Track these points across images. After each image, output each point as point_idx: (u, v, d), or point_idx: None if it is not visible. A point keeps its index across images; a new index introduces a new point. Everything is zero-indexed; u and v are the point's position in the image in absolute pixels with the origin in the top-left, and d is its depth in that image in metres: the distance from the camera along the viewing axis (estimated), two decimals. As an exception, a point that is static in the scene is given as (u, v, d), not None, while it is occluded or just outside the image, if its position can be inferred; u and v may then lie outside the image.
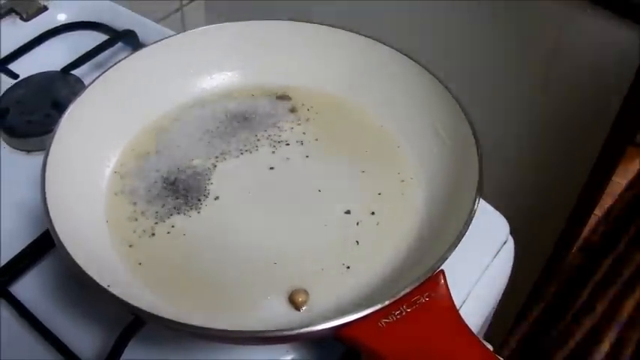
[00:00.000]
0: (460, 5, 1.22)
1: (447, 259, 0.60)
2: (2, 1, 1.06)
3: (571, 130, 1.24)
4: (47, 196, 0.66)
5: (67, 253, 0.60)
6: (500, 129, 1.27)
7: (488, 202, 0.81)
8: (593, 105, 1.17)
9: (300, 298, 0.65)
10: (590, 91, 1.16)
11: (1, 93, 0.92)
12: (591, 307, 1.45)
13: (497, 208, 0.82)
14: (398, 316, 0.57)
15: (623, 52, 1.07)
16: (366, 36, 0.84)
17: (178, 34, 0.86)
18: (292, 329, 0.56)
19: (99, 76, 0.79)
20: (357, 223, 0.72)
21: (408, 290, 0.58)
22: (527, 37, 1.19)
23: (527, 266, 1.21)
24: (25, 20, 1.06)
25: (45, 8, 1.08)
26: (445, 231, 0.66)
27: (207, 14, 1.54)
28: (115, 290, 0.58)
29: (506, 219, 0.82)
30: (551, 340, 1.56)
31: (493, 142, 1.07)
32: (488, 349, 0.58)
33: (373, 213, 0.73)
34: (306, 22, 0.86)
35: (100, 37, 1.01)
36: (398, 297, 0.57)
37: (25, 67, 0.96)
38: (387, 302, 0.57)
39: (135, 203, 0.75)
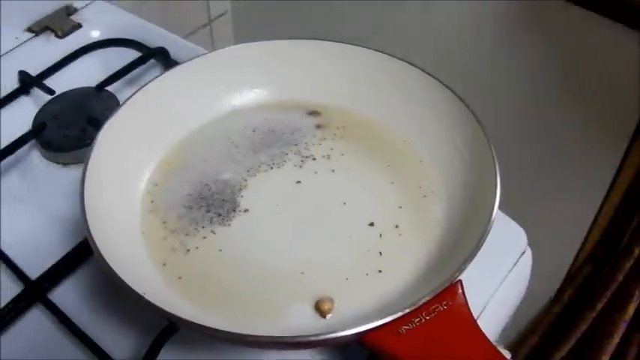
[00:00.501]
0: (480, 17, 1.24)
1: (464, 269, 0.62)
2: (38, 19, 1.09)
3: (591, 140, 1.25)
4: (86, 206, 0.68)
5: (105, 262, 0.63)
6: (519, 139, 1.28)
7: (507, 213, 0.82)
8: (613, 115, 1.18)
9: (326, 306, 0.67)
10: (611, 100, 1.17)
11: (39, 108, 0.94)
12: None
13: (515, 219, 0.83)
14: (417, 324, 0.59)
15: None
16: (391, 56, 0.85)
17: (209, 52, 0.88)
18: (319, 335, 0.59)
19: (134, 93, 0.81)
20: (380, 235, 0.74)
21: (426, 299, 0.60)
22: (546, 45, 1.20)
23: (545, 277, 1.23)
24: (60, 37, 1.08)
25: (79, 26, 1.10)
26: (464, 242, 0.68)
27: (234, 29, 1.55)
28: (151, 297, 0.61)
29: (525, 230, 0.83)
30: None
31: (512, 152, 1.09)
32: (504, 356, 0.60)
33: (396, 225, 0.75)
34: (333, 41, 0.88)
35: (132, 54, 1.03)
36: (417, 305, 0.60)
37: (61, 83, 0.99)
38: (407, 310, 0.59)
39: (168, 216, 0.77)
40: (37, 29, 1.09)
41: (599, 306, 1.42)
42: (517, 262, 0.81)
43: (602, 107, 1.18)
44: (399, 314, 0.59)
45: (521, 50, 1.24)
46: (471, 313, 0.62)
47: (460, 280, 0.63)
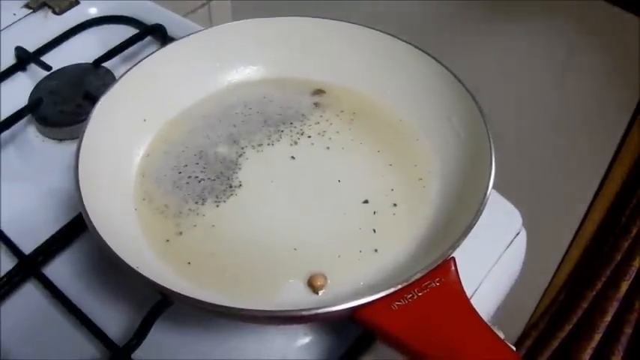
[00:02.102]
0: (479, 4, 1.24)
1: (457, 247, 0.62)
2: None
3: (588, 123, 1.25)
4: (80, 181, 0.68)
5: (99, 236, 0.63)
6: (516, 121, 1.29)
7: (503, 194, 0.82)
8: (611, 99, 1.18)
9: (318, 282, 0.68)
10: (609, 85, 1.17)
11: (35, 84, 0.94)
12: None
13: (511, 200, 0.83)
14: (410, 300, 0.60)
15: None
16: (386, 33, 0.85)
17: (205, 28, 0.88)
18: (311, 309, 0.59)
19: (130, 69, 0.81)
20: (375, 212, 0.74)
21: (419, 275, 0.60)
22: (545, 32, 1.20)
23: (541, 258, 1.23)
24: (58, 14, 1.08)
25: (76, 2, 1.10)
26: (458, 221, 0.68)
27: (233, 8, 1.55)
28: (144, 271, 0.61)
29: (520, 211, 0.83)
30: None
31: (509, 134, 1.09)
32: (494, 333, 0.60)
33: (391, 203, 0.76)
34: (329, 19, 0.88)
35: (129, 31, 1.03)
36: (410, 281, 0.60)
37: (58, 59, 0.99)
38: (399, 286, 0.59)
39: (162, 192, 0.77)
40: (35, 6, 1.09)
41: (599, 285, 1.43)
42: (512, 242, 0.81)
43: (601, 86, 1.18)
44: (392, 290, 0.59)
45: (521, 32, 1.24)
46: (464, 290, 0.62)
47: (453, 258, 0.63)
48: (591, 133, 1.25)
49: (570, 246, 1.51)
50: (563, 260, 1.55)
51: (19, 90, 0.94)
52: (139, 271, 0.61)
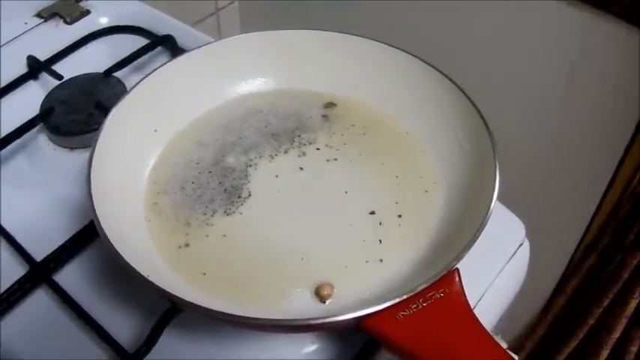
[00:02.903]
0: (489, 10, 1.24)
1: (462, 258, 0.63)
2: (47, 5, 1.10)
3: (592, 134, 1.25)
4: (92, 189, 0.69)
5: (111, 244, 0.64)
6: (519, 132, 1.29)
7: (506, 205, 0.83)
8: (615, 110, 1.18)
9: (325, 292, 0.68)
10: (613, 97, 1.18)
11: (47, 93, 0.95)
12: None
13: (514, 211, 0.84)
14: (414, 310, 0.61)
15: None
16: (394, 47, 0.86)
17: (215, 41, 0.89)
18: (318, 318, 0.60)
19: (141, 80, 0.82)
20: (381, 223, 0.75)
21: (424, 286, 0.61)
22: (552, 42, 1.21)
23: (545, 269, 1.23)
24: (69, 23, 1.09)
25: (87, 12, 1.11)
26: (463, 232, 0.68)
27: (241, 18, 1.56)
28: (154, 279, 0.62)
29: (524, 222, 0.84)
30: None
31: (512, 145, 1.10)
32: (497, 343, 0.60)
33: (397, 214, 0.76)
34: (337, 32, 0.89)
35: (139, 41, 1.05)
36: (415, 292, 0.61)
37: (68, 68, 1.00)
38: (404, 296, 0.61)
39: (172, 201, 0.78)
40: (46, 15, 1.10)
41: (606, 302, 1.43)
42: (515, 253, 0.81)
43: (605, 98, 1.18)
44: (397, 300, 0.61)
45: (529, 42, 1.24)
46: (467, 301, 0.63)
47: (457, 269, 0.64)
48: (595, 144, 1.26)
49: (573, 256, 1.51)
50: (566, 270, 1.56)
51: (31, 98, 0.95)
52: (150, 279, 0.62)
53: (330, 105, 0.89)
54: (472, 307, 0.63)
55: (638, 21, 1.07)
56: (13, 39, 1.06)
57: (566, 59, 1.19)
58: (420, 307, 0.61)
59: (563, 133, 1.29)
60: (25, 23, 1.09)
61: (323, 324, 0.61)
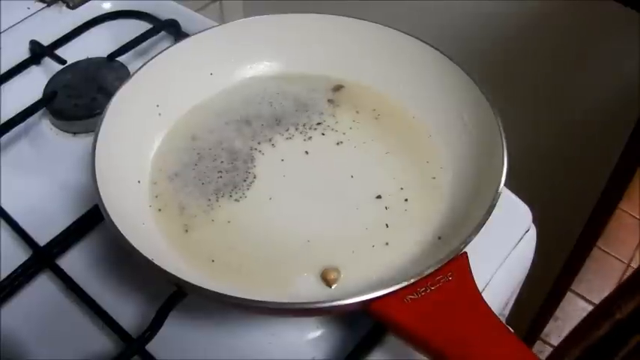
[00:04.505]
0: (497, 7, 1.24)
1: (469, 242, 0.63)
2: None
3: (598, 121, 1.26)
4: (97, 173, 0.69)
5: (116, 227, 0.64)
6: (527, 118, 1.29)
7: (513, 191, 0.83)
8: (619, 100, 1.19)
9: (332, 276, 0.68)
10: (619, 87, 1.18)
11: (49, 78, 0.94)
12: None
13: (521, 197, 0.84)
14: (423, 293, 0.61)
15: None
16: (400, 31, 0.86)
17: (219, 25, 0.89)
18: (325, 302, 0.60)
19: (145, 63, 0.82)
20: (387, 208, 0.75)
21: (432, 270, 0.61)
22: (558, 37, 1.21)
23: (551, 255, 1.23)
24: (72, 8, 1.09)
25: (91, -4, 1.11)
26: (470, 217, 0.68)
27: (245, 3, 1.56)
28: (159, 262, 0.62)
29: (531, 208, 0.83)
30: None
31: (519, 130, 1.09)
32: (506, 327, 0.60)
33: (404, 199, 0.76)
34: (343, 15, 0.88)
35: (142, 25, 1.04)
36: (423, 275, 0.61)
37: (72, 53, 0.99)
38: (412, 280, 0.60)
39: (176, 186, 0.78)
40: (49, 0, 1.09)
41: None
42: (521, 239, 0.81)
43: (612, 82, 1.19)
44: (405, 283, 0.60)
45: (530, 32, 1.24)
46: (476, 285, 0.63)
47: (466, 253, 0.64)
48: (601, 130, 1.26)
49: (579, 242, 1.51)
50: (571, 256, 1.56)
51: (34, 83, 0.95)
52: (154, 262, 0.62)
53: (336, 89, 0.89)
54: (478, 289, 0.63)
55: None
56: (15, 24, 1.06)
57: (573, 45, 1.19)
58: (428, 290, 0.61)
59: (569, 120, 1.29)
60: (28, 8, 1.09)
61: (330, 307, 0.61)
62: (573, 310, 2.42)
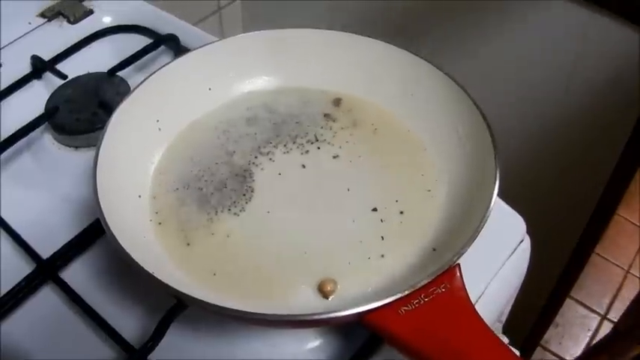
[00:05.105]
0: (490, 9, 1.25)
1: (462, 254, 0.65)
2: (50, 5, 1.11)
3: (592, 132, 1.26)
4: (98, 187, 0.70)
5: (117, 241, 0.65)
6: (522, 130, 1.30)
7: (508, 202, 0.84)
8: (614, 107, 1.19)
9: (328, 288, 0.70)
10: (612, 94, 1.18)
11: (51, 92, 0.95)
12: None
13: (516, 208, 0.84)
14: (416, 305, 0.62)
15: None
16: (396, 46, 0.87)
17: (218, 40, 0.90)
18: (322, 314, 0.61)
19: (145, 79, 0.83)
20: (383, 220, 0.76)
21: (425, 282, 0.63)
22: (553, 41, 1.22)
23: (547, 265, 1.24)
24: (72, 23, 1.10)
25: (91, 12, 1.12)
26: (464, 229, 0.69)
27: (244, 16, 1.56)
28: (160, 276, 0.63)
29: (526, 219, 0.84)
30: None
31: (513, 141, 1.10)
32: (498, 338, 0.61)
33: (399, 211, 0.77)
34: (339, 31, 0.90)
35: (142, 40, 1.05)
36: (416, 288, 0.62)
37: (72, 67, 1.01)
38: (406, 292, 0.62)
39: (176, 199, 0.79)
40: (50, 15, 1.11)
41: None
42: (515, 249, 0.82)
43: (605, 94, 1.19)
44: (399, 295, 0.62)
45: (531, 41, 1.25)
46: (468, 296, 0.64)
47: (458, 264, 0.66)
48: (594, 140, 1.27)
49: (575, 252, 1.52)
50: (569, 262, 1.56)
51: (35, 98, 0.96)
52: (155, 275, 0.63)
53: (332, 103, 0.90)
54: (473, 303, 0.65)
55: (634, 17, 1.08)
56: (17, 39, 1.07)
57: (566, 56, 1.20)
58: (422, 302, 0.62)
59: (563, 130, 1.30)
60: (29, 23, 1.10)
61: (327, 319, 0.63)
62: (573, 317, 2.43)
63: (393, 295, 0.62)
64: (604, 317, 2.43)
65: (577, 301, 2.47)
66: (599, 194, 1.34)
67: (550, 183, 1.39)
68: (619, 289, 2.52)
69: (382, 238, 0.75)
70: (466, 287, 0.65)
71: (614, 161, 1.26)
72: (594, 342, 2.28)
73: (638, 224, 2.68)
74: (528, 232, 0.84)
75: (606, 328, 2.40)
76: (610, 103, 1.20)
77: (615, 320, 2.39)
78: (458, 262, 0.65)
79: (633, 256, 2.63)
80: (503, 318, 0.89)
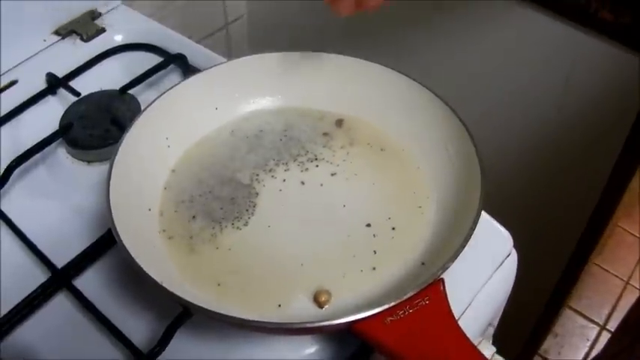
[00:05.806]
0: (482, 28, 1.27)
1: (447, 268, 0.69)
2: (64, 23, 1.15)
3: (582, 148, 1.27)
4: (111, 201, 0.75)
5: (127, 252, 0.70)
6: (511, 146, 1.31)
7: (495, 216, 0.86)
8: (605, 124, 1.20)
9: (323, 298, 0.74)
10: (603, 112, 1.20)
11: (65, 108, 0.99)
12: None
13: (505, 223, 0.86)
14: (402, 316, 0.66)
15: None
16: (392, 69, 0.91)
17: (224, 62, 0.94)
18: (314, 322, 0.66)
19: (155, 99, 0.88)
20: (375, 235, 0.81)
21: (410, 294, 0.67)
22: (545, 59, 1.24)
23: (542, 275, 1.25)
24: (85, 41, 1.14)
25: (103, 30, 1.16)
26: (450, 244, 0.73)
27: (249, 32, 1.59)
28: (168, 285, 0.68)
29: (513, 233, 0.86)
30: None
31: (501, 156, 1.12)
32: (475, 347, 0.66)
33: (391, 227, 0.82)
34: (338, 54, 0.94)
35: (152, 58, 1.09)
36: (401, 300, 0.66)
37: (85, 84, 1.04)
38: (392, 303, 0.66)
39: (184, 214, 0.84)
40: (64, 32, 1.14)
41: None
42: (502, 263, 0.85)
43: (596, 112, 1.20)
44: (385, 307, 0.66)
45: (523, 59, 1.27)
46: (450, 309, 0.68)
47: (442, 279, 0.70)
48: (584, 157, 1.28)
49: (566, 267, 1.53)
50: (565, 271, 1.57)
51: (50, 113, 1.00)
52: (164, 285, 0.68)
53: (333, 123, 0.94)
54: (459, 314, 0.69)
55: (621, 38, 1.10)
56: (32, 56, 1.10)
57: (558, 75, 1.22)
58: (407, 313, 0.66)
59: (553, 147, 1.30)
60: (44, 40, 1.13)
61: (319, 327, 0.67)
62: (572, 327, 2.44)
63: (379, 307, 0.66)
64: (603, 327, 2.44)
65: (576, 311, 2.48)
66: (594, 204, 1.35)
67: (542, 196, 1.38)
68: (618, 300, 2.53)
69: (374, 252, 0.79)
70: (449, 300, 0.68)
71: (607, 172, 1.27)
72: (592, 352, 2.31)
73: (637, 235, 2.69)
74: (515, 246, 0.86)
75: (605, 339, 2.41)
76: (600, 121, 1.21)
77: (613, 331, 2.40)
78: (442, 276, 0.69)
79: (633, 267, 2.63)
80: (492, 329, 0.92)
